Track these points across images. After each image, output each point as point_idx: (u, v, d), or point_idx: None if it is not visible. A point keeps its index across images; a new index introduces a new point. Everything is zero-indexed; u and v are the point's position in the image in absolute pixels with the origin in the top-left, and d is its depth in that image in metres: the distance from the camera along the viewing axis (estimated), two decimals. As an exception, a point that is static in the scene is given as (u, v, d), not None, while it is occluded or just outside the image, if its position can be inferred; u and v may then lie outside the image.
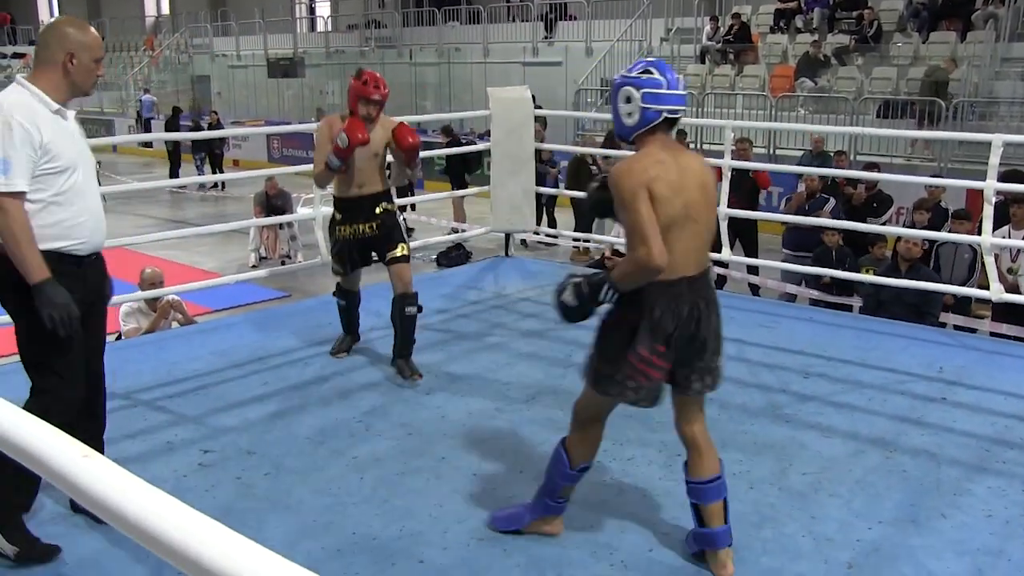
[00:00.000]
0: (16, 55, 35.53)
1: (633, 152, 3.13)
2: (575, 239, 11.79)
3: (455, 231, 11.97)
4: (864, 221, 8.54)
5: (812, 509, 3.70)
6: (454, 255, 12.02)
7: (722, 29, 18.03)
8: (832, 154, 11.94)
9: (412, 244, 11.01)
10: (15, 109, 3.08)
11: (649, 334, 3.04)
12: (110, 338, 7.03)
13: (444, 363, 5.40)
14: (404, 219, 13.12)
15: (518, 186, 7.36)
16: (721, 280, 9.82)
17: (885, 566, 3.32)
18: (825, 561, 3.34)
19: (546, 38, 21.30)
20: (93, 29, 3.34)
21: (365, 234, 5.18)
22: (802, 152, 12.77)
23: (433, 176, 14.44)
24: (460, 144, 12.61)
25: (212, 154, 19.87)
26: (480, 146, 9.70)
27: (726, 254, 6.82)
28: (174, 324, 6.64)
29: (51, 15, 40.88)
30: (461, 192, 10.27)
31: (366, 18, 26.30)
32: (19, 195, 3.06)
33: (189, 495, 3.72)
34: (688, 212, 3.02)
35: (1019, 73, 14.31)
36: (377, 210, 5.18)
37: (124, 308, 6.57)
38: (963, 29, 15.60)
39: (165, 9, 36.11)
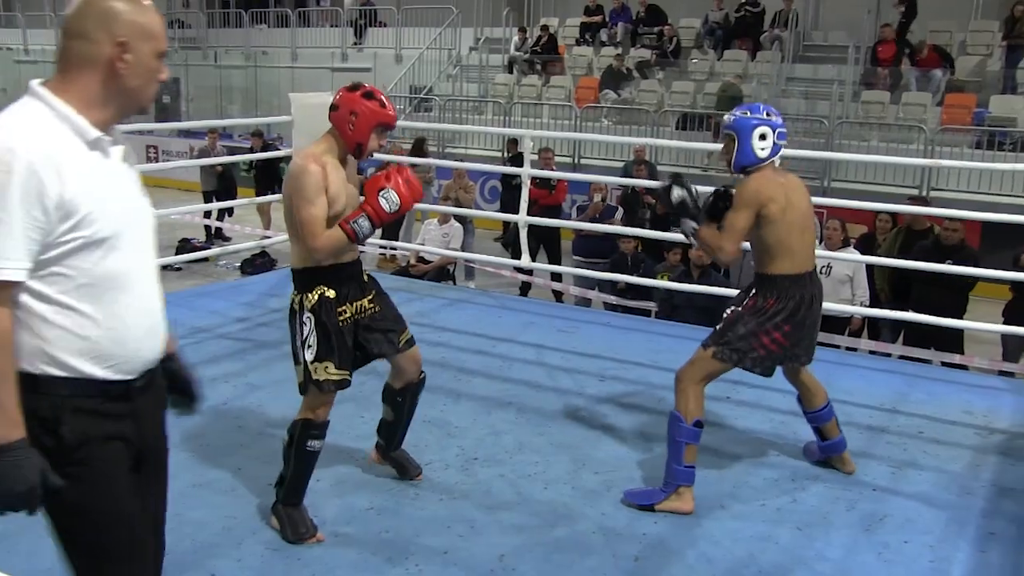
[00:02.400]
0: None
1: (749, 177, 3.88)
2: (381, 246, 11.76)
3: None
4: (667, 230, 8.89)
5: (603, 506, 3.84)
6: (259, 263, 11.77)
7: (530, 40, 18.41)
8: (655, 165, 12.46)
9: (218, 251, 10.70)
10: (23, 142, 1.92)
11: (782, 318, 3.85)
12: None
13: (243, 373, 5.30)
14: (219, 228, 12.56)
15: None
16: (525, 287, 10.04)
17: (669, 556, 3.49)
18: (614, 555, 3.48)
19: (355, 44, 21.17)
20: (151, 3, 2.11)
21: (368, 313, 3.71)
22: (624, 162, 13.16)
23: (240, 182, 14.13)
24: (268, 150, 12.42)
25: None
26: (281, 152, 9.57)
27: (525, 260, 6.95)
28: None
29: None
30: (263, 199, 10.11)
31: (169, 17, 25.38)
32: (8, 286, 1.92)
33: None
34: (803, 221, 3.90)
35: (802, 92, 15.26)
36: (366, 277, 3.78)
37: None
38: (753, 49, 16.51)
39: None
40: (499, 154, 15.56)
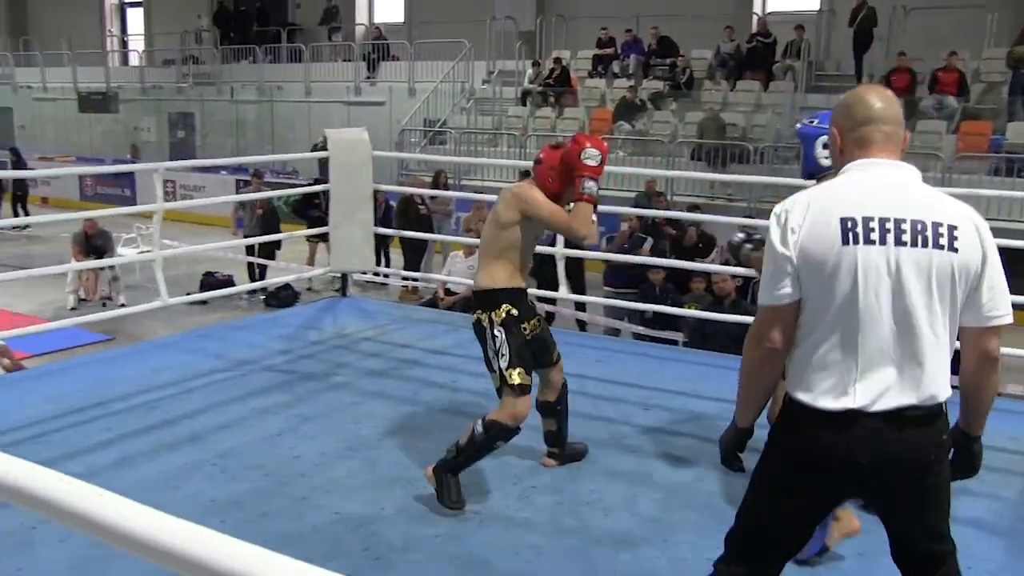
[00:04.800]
0: None
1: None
2: (404, 278, 11.89)
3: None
4: (693, 261, 9.01)
5: (664, 533, 3.90)
6: (283, 296, 11.89)
7: (543, 72, 18.60)
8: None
9: (246, 287, 10.78)
10: None
11: None
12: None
13: (292, 404, 5.37)
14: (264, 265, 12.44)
15: (356, 226, 7.38)
16: (549, 317, 10.12)
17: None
18: (680, 581, 3.54)
19: (368, 78, 21.39)
20: None
21: (538, 329, 4.32)
22: (636, 193, 13.24)
23: (284, 218, 13.94)
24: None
25: (14, 195, 18.45)
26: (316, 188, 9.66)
27: (563, 291, 7.03)
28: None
29: None
30: (302, 233, 10.25)
31: (183, 53, 25.70)
32: None
33: (40, 547, 3.61)
34: None
35: (816, 121, 15.39)
36: (531, 301, 4.42)
37: (-58, 355, 6.23)
38: (766, 79, 16.69)
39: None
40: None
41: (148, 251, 13.22)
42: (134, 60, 28.08)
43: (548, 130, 17.28)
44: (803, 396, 2.44)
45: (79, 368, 6.00)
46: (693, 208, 11.18)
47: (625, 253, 9.06)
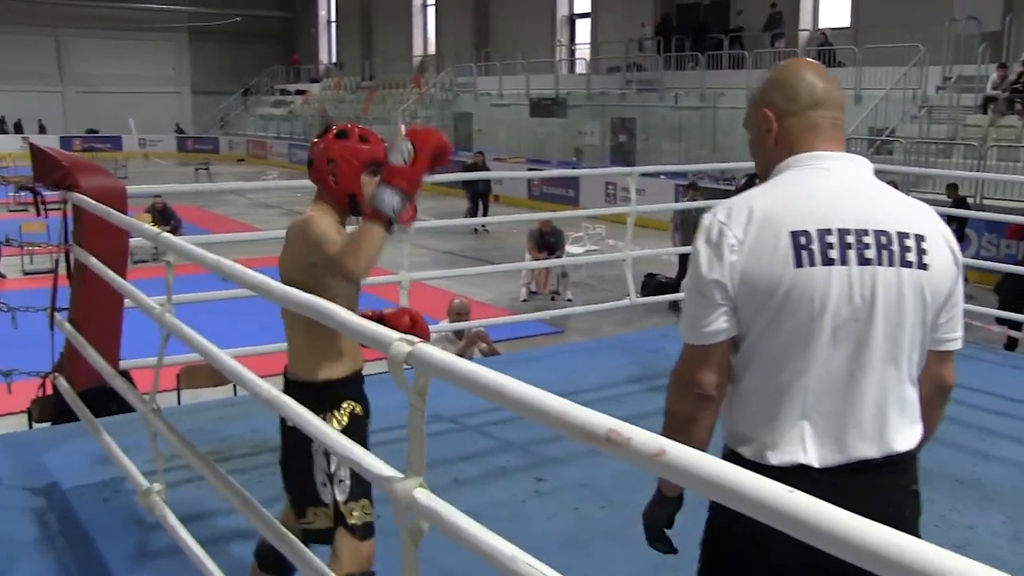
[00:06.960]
0: (299, 92, 39.22)
1: None
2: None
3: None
4: None
5: None
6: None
7: (1010, 77, 17.10)
8: None
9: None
10: None
11: None
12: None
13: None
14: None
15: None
16: (1012, 343, 9.30)
17: None
18: None
19: (813, 85, 20.89)
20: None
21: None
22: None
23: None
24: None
25: (481, 194, 19.80)
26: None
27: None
28: (476, 353, 6.97)
29: (330, 56, 43.91)
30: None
31: (627, 61, 26.71)
32: None
33: (531, 521, 3.93)
34: None
35: None
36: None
37: (433, 337, 6.98)
38: None
39: (432, 49, 38.04)
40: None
41: (595, 249, 14.12)
42: (581, 68, 29.65)
43: (1012, 140, 15.90)
44: (744, 450, 1.96)
45: (549, 358, 6.45)
46: None
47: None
